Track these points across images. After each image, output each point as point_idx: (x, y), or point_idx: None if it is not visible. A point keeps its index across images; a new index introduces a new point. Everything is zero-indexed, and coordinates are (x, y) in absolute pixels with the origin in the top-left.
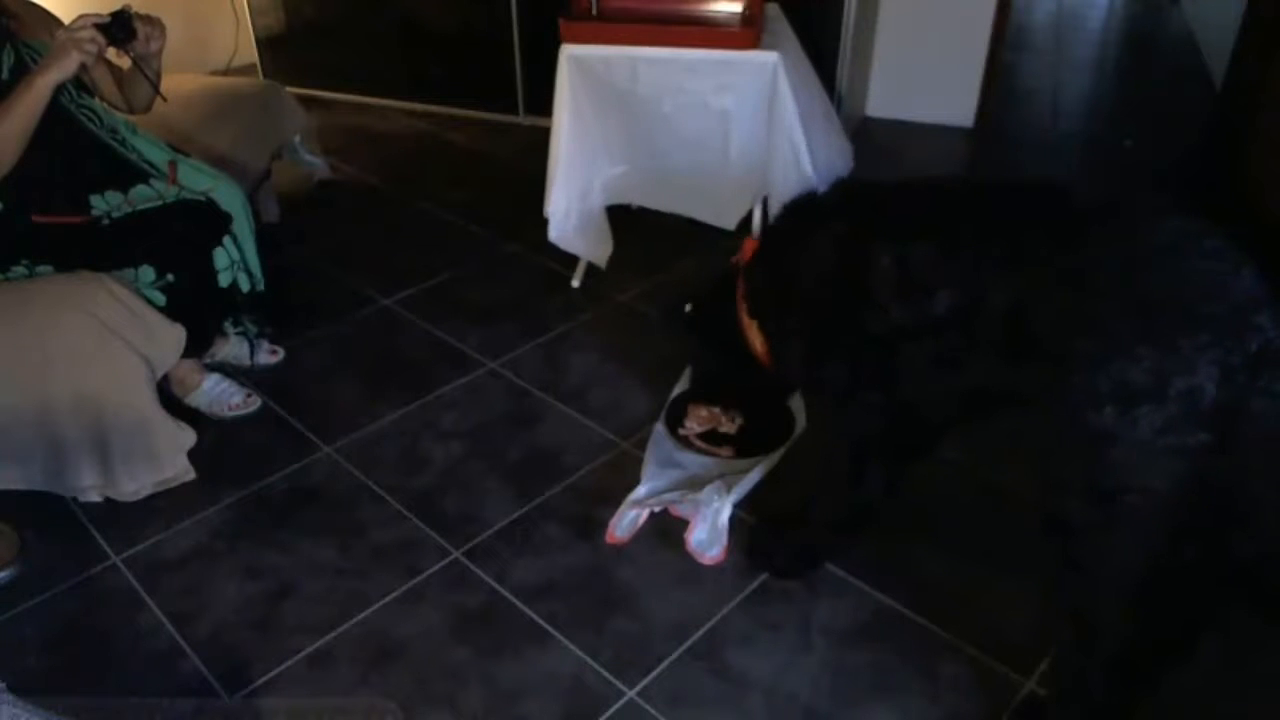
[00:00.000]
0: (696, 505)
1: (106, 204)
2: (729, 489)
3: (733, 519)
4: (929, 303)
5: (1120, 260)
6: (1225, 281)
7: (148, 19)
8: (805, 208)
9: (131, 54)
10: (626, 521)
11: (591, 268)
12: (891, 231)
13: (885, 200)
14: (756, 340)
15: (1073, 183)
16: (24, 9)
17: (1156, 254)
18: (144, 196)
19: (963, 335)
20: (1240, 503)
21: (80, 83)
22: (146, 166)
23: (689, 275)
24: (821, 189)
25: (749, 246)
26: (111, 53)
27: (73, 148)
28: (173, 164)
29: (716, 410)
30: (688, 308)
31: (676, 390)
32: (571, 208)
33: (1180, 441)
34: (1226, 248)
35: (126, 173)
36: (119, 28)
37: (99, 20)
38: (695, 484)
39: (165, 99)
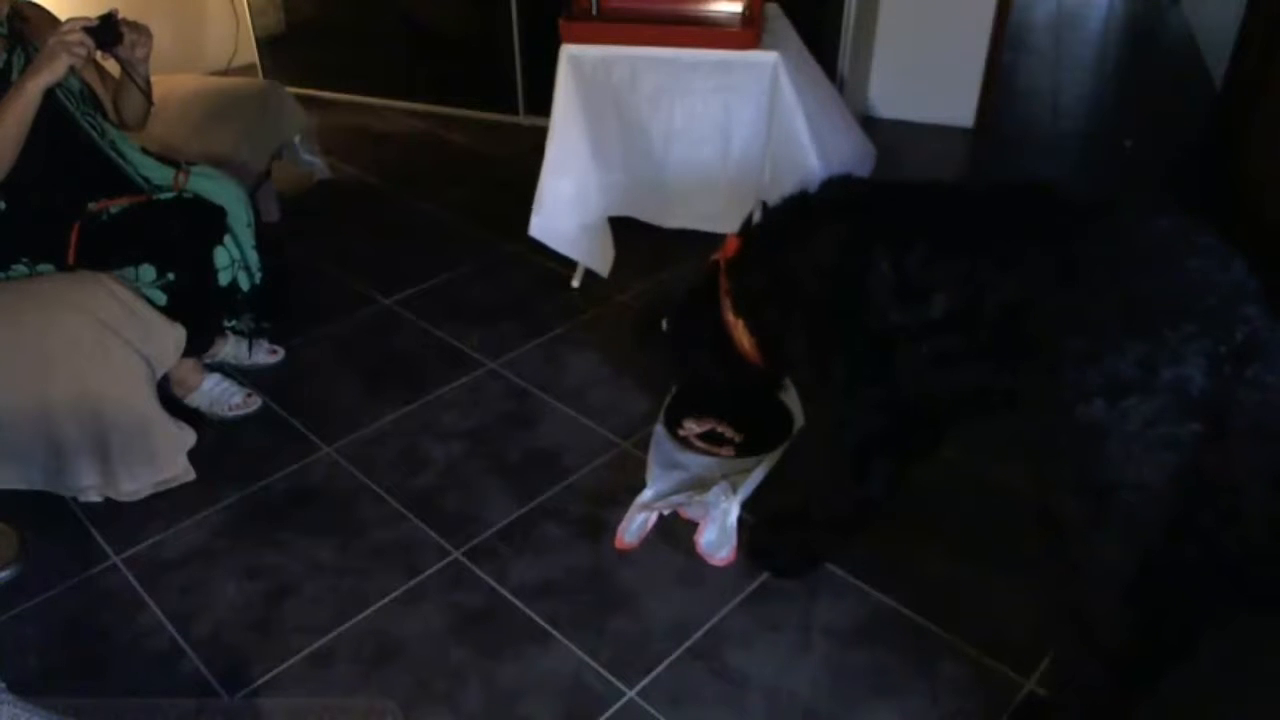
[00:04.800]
0: (705, 507)
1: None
2: (734, 489)
3: (738, 519)
4: (925, 305)
5: (1112, 258)
6: (1214, 276)
7: (134, 25)
8: (798, 207)
9: (118, 58)
10: (635, 526)
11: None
12: (888, 234)
13: (880, 201)
14: (743, 338)
15: (1065, 182)
16: (36, 13)
17: (1148, 251)
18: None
19: (960, 336)
20: (1228, 496)
21: (87, 97)
22: (143, 182)
23: (683, 279)
24: (813, 189)
25: (731, 244)
26: (99, 57)
27: (73, 147)
28: (184, 172)
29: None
30: (664, 324)
31: (675, 390)
32: (563, 208)
33: (1171, 432)
34: (1217, 244)
35: (123, 185)
36: (106, 31)
37: (87, 23)
38: (700, 485)
39: (154, 104)
